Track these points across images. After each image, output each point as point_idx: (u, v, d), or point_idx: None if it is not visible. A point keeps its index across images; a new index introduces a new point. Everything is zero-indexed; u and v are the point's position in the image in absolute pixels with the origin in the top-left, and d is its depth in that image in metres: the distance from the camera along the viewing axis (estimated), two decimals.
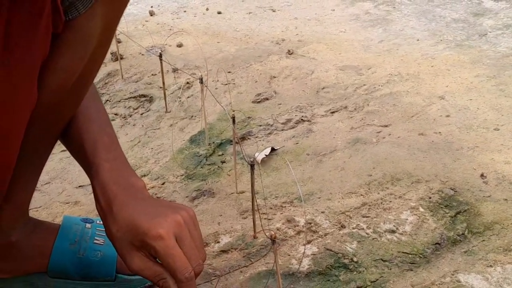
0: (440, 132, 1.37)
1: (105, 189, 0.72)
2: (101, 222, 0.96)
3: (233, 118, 1.07)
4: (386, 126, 1.42)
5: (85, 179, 1.27)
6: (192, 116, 1.55)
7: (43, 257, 0.89)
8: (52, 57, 0.68)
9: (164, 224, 0.68)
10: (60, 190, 1.25)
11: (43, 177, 1.29)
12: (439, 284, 0.91)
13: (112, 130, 0.83)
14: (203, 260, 0.73)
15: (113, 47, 1.95)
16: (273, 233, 0.78)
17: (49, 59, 0.68)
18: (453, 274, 0.93)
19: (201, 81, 1.30)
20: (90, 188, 1.22)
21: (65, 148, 1.41)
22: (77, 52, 0.70)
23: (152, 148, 1.41)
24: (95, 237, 0.93)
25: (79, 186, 1.26)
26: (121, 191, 0.72)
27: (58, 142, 0.85)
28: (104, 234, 0.94)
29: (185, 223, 0.70)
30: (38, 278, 0.92)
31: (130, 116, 1.62)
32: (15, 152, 0.68)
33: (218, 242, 1.05)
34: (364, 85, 1.67)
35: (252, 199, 0.99)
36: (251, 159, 0.95)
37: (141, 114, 1.62)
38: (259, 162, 1.26)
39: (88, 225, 0.95)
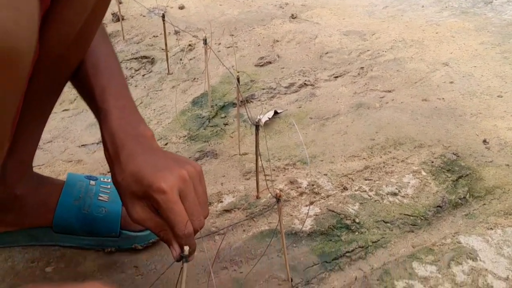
0: (443, 98, 1.37)
1: (114, 137, 0.72)
2: (105, 179, 0.97)
3: (238, 79, 1.06)
4: (389, 91, 1.42)
5: (87, 137, 1.27)
6: (194, 79, 1.55)
7: (48, 211, 0.89)
8: (54, 9, 0.67)
9: (169, 178, 0.68)
10: (63, 149, 1.25)
11: (45, 135, 1.29)
12: (440, 245, 0.92)
13: (122, 77, 0.81)
14: (205, 217, 0.73)
15: (114, 7, 1.93)
16: (278, 191, 0.79)
17: (51, 11, 0.67)
18: (454, 236, 0.94)
19: (205, 42, 1.28)
20: (92, 147, 1.22)
21: (67, 108, 1.41)
22: (78, 4, 0.69)
23: (154, 110, 1.40)
24: (99, 194, 0.93)
25: (82, 145, 1.26)
26: (129, 140, 0.72)
27: (60, 101, 0.84)
28: (108, 191, 0.95)
29: (190, 178, 0.70)
30: (43, 233, 0.93)
31: (132, 77, 1.60)
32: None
33: (221, 201, 1.05)
34: (368, 50, 1.66)
35: (256, 159, 0.99)
36: (256, 119, 0.95)
37: (143, 76, 1.61)
38: (263, 124, 1.26)
39: (92, 182, 0.96)
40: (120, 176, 0.70)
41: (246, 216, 1.02)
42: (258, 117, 0.93)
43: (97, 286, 0.54)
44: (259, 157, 1.00)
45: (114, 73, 0.79)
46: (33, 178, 0.90)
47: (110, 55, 0.83)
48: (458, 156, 1.13)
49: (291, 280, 0.87)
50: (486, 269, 0.87)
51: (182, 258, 0.68)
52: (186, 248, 0.67)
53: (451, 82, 1.44)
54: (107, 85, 0.76)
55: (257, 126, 0.94)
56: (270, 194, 1.06)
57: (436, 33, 1.76)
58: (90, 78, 0.77)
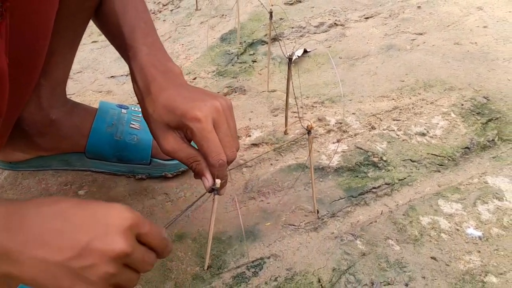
0: (476, 43, 1.34)
1: (144, 71, 0.72)
2: (136, 109, 0.98)
3: (271, 13, 1.05)
4: (421, 34, 1.39)
5: (116, 69, 1.28)
6: (222, 15, 1.53)
7: (82, 137, 0.91)
8: None
9: (203, 108, 0.67)
10: (92, 80, 1.26)
11: (75, 66, 1.30)
12: (467, 184, 0.93)
13: (149, 15, 0.82)
14: (237, 150, 0.73)
15: None
16: (309, 123, 0.80)
17: None
18: (481, 176, 0.94)
19: None
20: (122, 79, 1.23)
21: (95, 39, 1.41)
22: None
23: (183, 44, 1.40)
24: (131, 122, 0.95)
25: (111, 77, 1.27)
26: (159, 74, 0.72)
27: (88, 32, 0.84)
28: (140, 120, 0.96)
29: (222, 110, 0.70)
30: (76, 158, 0.96)
31: (160, 12, 1.59)
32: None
33: (249, 136, 1.07)
34: None
35: (287, 92, 1.00)
36: (290, 53, 0.94)
37: (171, 11, 1.59)
38: (295, 58, 1.25)
39: (123, 111, 0.97)
40: (151, 107, 0.70)
41: (274, 150, 1.03)
42: (292, 51, 0.93)
43: (123, 210, 0.54)
44: (290, 91, 1.00)
45: (141, 12, 0.79)
46: (67, 104, 0.91)
47: None
48: (489, 100, 1.12)
49: (317, 212, 0.89)
50: None
51: (213, 190, 0.69)
52: (218, 181, 0.68)
53: (485, 27, 1.41)
54: (136, 24, 0.76)
55: (290, 59, 0.94)
56: (298, 131, 1.07)
57: None
58: (119, 16, 0.77)
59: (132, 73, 0.74)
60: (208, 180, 0.69)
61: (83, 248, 0.50)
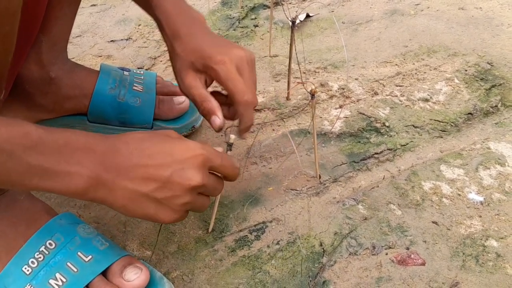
0: (481, 8, 1.32)
1: (171, 19, 0.75)
2: (138, 71, 0.97)
3: None
4: None
5: (116, 33, 1.27)
6: None
7: (84, 97, 0.90)
8: None
9: (228, 53, 0.71)
10: (92, 44, 1.24)
11: (74, 30, 1.28)
12: (469, 150, 0.93)
13: None
14: (256, 103, 0.75)
15: None
16: (313, 87, 0.79)
17: None
18: (483, 142, 0.94)
19: None
20: (122, 43, 1.22)
21: (94, 3, 1.39)
22: None
23: None
24: (134, 84, 0.94)
25: (111, 41, 1.25)
26: (187, 21, 0.75)
27: None
28: (142, 82, 0.95)
29: (246, 60, 0.73)
30: (78, 122, 0.95)
31: None
32: None
33: None
34: None
35: (290, 56, 0.98)
36: (293, 17, 0.93)
37: None
38: (299, 21, 1.23)
39: (126, 73, 0.96)
40: (180, 48, 0.73)
41: (276, 116, 1.03)
42: (295, 15, 0.92)
43: (197, 147, 0.62)
44: (292, 55, 0.99)
45: None
46: (68, 63, 0.90)
47: None
48: (493, 66, 1.11)
49: (319, 177, 0.89)
50: None
51: (227, 145, 0.71)
52: (232, 136, 0.70)
53: None
54: None
55: (293, 23, 0.93)
56: (300, 96, 1.06)
57: None
58: None
59: (158, 22, 0.77)
60: (219, 117, 0.72)
61: (165, 182, 0.59)
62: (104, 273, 0.67)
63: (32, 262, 0.64)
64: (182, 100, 0.95)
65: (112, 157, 0.58)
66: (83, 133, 0.58)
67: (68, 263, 0.65)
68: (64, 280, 0.63)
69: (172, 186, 0.59)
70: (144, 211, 0.60)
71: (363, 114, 1.01)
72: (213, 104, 0.72)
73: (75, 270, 0.64)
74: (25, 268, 0.64)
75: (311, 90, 0.79)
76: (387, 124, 0.99)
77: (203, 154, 0.61)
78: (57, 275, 0.63)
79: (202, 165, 0.61)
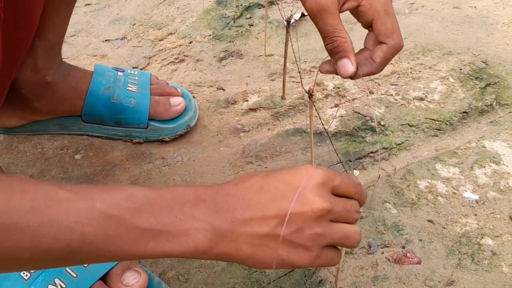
0: (475, 7, 1.32)
1: None
2: (132, 72, 0.97)
3: None
4: None
5: (111, 33, 1.26)
6: None
7: (78, 99, 0.90)
8: None
9: None
10: (87, 43, 1.24)
11: (69, 29, 1.27)
12: (464, 149, 0.93)
13: None
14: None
15: None
16: (311, 87, 0.79)
17: None
18: (478, 141, 0.95)
19: None
20: (116, 43, 1.21)
21: (89, 2, 1.39)
22: None
23: (178, 8, 1.38)
24: (128, 84, 0.94)
25: (105, 40, 1.25)
26: None
27: None
28: (137, 82, 0.95)
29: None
30: (73, 122, 0.95)
31: None
32: None
33: (247, 100, 1.06)
34: None
35: (285, 56, 0.98)
36: (288, 17, 0.93)
37: None
38: (294, 20, 1.23)
39: (120, 73, 0.96)
40: None
41: (271, 115, 1.02)
42: (290, 14, 0.91)
43: (310, 169, 0.53)
44: (287, 55, 0.99)
45: None
46: (63, 65, 0.90)
47: None
48: (487, 64, 1.11)
49: None
50: (509, 173, 0.88)
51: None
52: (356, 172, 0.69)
53: None
54: None
55: (288, 23, 0.93)
56: (295, 95, 1.06)
57: None
58: None
59: None
60: (352, 63, 0.63)
61: (284, 215, 0.50)
62: (103, 278, 0.66)
63: None
64: (178, 102, 0.95)
65: (223, 202, 0.51)
66: (188, 185, 0.53)
67: (67, 269, 0.64)
68: (63, 285, 0.63)
69: (294, 218, 0.50)
70: (274, 255, 0.51)
71: (358, 113, 1.01)
72: (349, 45, 0.62)
73: (75, 275, 0.64)
74: (24, 273, 0.63)
75: (309, 90, 0.79)
76: (382, 123, 0.99)
77: (318, 175, 0.52)
78: (56, 280, 0.63)
79: (321, 187, 0.52)
